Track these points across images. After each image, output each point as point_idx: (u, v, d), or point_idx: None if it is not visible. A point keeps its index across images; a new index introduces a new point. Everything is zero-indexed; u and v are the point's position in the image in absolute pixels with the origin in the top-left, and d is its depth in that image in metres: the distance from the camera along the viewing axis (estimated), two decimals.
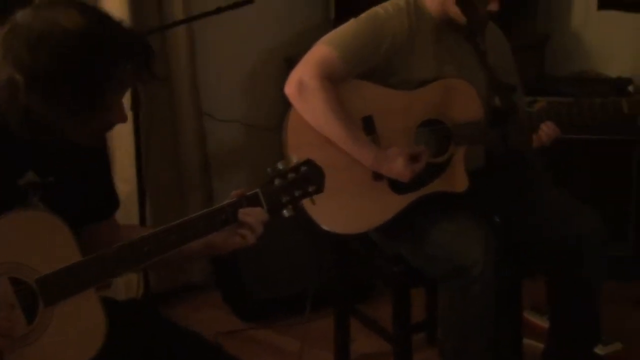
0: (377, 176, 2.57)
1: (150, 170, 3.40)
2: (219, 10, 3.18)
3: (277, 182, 1.95)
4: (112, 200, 2.07)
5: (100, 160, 2.00)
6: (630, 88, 2.64)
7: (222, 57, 3.76)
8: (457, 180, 2.62)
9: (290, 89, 2.55)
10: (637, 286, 3.60)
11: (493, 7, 2.58)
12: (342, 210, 2.57)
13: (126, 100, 3.05)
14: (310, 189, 1.99)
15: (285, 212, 1.98)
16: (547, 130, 2.55)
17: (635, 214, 3.66)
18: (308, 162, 1.99)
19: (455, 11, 2.54)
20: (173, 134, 3.55)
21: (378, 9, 2.64)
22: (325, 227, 2.57)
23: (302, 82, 2.52)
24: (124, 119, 1.86)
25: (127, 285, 3.44)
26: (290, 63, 2.60)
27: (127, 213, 3.38)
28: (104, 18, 1.76)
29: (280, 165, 1.98)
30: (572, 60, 4.14)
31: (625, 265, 3.67)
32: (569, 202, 2.71)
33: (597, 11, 4.10)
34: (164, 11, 3.41)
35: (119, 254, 1.81)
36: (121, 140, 3.34)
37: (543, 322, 3.14)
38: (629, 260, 3.69)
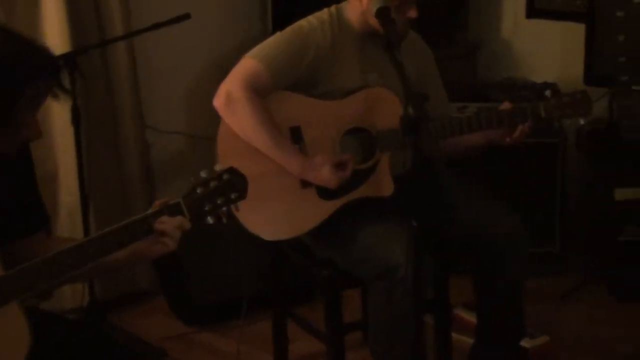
0: (306, 183, 2.68)
1: (94, 182, 3.48)
2: (156, 26, 3.27)
3: (199, 190, 2.03)
4: (39, 214, 2.10)
5: (24, 174, 2.06)
6: (547, 93, 2.76)
7: (163, 71, 3.87)
8: (383, 185, 2.73)
9: (218, 101, 2.67)
10: (564, 282, 3.75)
11: (412, 14, 2.69)
12: (272, 217, 2.68)
13: (67, 114, 3.19)
14: (233, 195, 2.06)
15: (210, 219, 2.05)
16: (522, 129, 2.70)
17: (561, 213, 3.81)
18: (230, 170, 2.06)
19: (375, 22, 2.64)
20: (115, 146, 3.64)
21: (302, 22, 2.76)
22: (256, 233, 2.68)
23: (230, 94, 2.63)
24: (38, 135, 1.90)
25: (73, 294, 3.52)
26: None
27: (72, 224, 3.51)
28: (14, 37, 1.82)
29: (203, 174, 2.05)
30: (502, 67, 4.31)
31: (553, 261, 3.84)
32: (489, 203, 2.84)
33: (526, 20, 4.27)
34: (103, 27, 3.51)
35: (41, 267, 1.86)
36: (64, 153, 3.45)
37: (474, 319, 3.25)
38: (556, 257, 3.85)
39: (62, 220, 3.53)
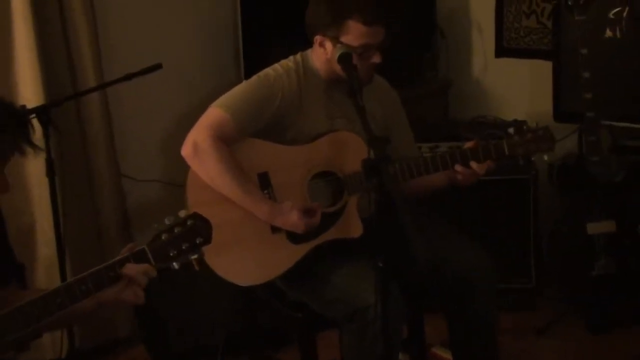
0: (276, 228, 2.72)
1: (70, 233, 3.50)
2: (128, 77, 3.31)
3: (164, 236, 2.07)
4: (9, 267, 2.14)
5: None
6: (511, 130, 2.81)
7: (138, 120, 3.91)
8: (352, 227, 2.77)
9: (185, 151, 2.71)
10: (539, 316, 3.78)
11: (375, 59, 2.75)
12: (243, 263, 2.72)
13: (42, 166, 3.21)
14: (198, 240, 2.10)
15: (175, 265, 2.10)
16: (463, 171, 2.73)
17: (534, 248, 3.85)
18: (194, 216, 2.11)
19: (339, 69, 2.69)
20: (91, 196, 3.67)
21: (268, 70, 2.82)
22: (228, 279, 2.71)
23: (197, 144, 2.68)
24: (4, 189, 1.94)
25: (52, 344, 3.53)
26: None
27: (50, 276, 3.52)
28: None
29: (167, 220, 2.10)
30: (473, 106, 4.38)
31: (528, 296, 3.87)
32: (458, 241, 2.88)
33: (495, 59, 4.35)
34: (76, 80, 3.55)
35: (7, 319, 1.88)
36: (40, 205, 3.48)
37: (450, 356, 3.27)
38: (530, 292, 3.87)
39: (39, 272, 3.55)
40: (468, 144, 2.79)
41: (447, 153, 2.77)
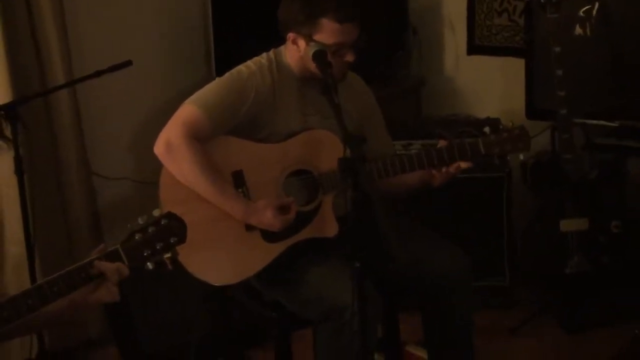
0: (250, 227, 2.69)
1: (40, 231, 3.43)
2: (98, 74, 3.27)
3: (137, 236, 2.03)
4: None
5: None
6: (486, 129, 2.80)
7: (108, 117, 3.86)
8: (327, 226, 2.75)
9: (158, 149, 2.67)
10: (513, 315, 3.77)
11: (349, 58, 2.73)
12: (217, 262, 2.69)
13: (10, 164, 3.17)
14: (172, 240, 2.07)
15: (149, 265, 2.06)
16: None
17: (508, 246, 3.85)
18: (169, 215, 2.07)
19: (313, 66, 2.66)
20: (61, 194, 3.62)
21: (241, 67, 2.78)
22: (202, 279, 2.68)
23: (169, 142, 2.64)
24: None
25: (21, 345, 3.47)
26: None
27: (18, 275, 3.46)
28: None
29: (140, 220, 2.06)
30: (446, 104, 4.37)
31: (501, 295, 3.87)
32: (434, 239, 2.87)
33: (467, 56, 4.34)
34: (45, 76, 3.49)
35: None
36: (9, 203, 3.42)
37: (425, 355, 3.26)
38: (504, 291, 3.88)
39: (8, 271, 3.49)
40: (441, 143, 2.77)
41: (422, 152, 2.75)
